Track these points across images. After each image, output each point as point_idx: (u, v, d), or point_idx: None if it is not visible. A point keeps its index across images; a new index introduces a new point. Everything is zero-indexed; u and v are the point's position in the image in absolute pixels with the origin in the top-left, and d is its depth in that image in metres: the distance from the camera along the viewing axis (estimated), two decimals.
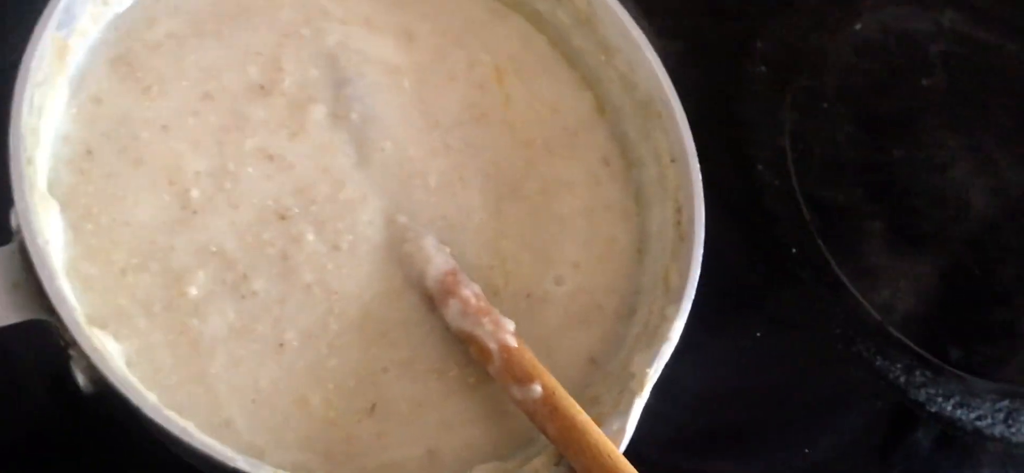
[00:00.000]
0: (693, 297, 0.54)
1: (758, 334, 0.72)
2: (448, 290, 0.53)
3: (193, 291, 0.50)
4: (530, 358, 0.51)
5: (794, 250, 0.75)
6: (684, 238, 0.55)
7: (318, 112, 0.56)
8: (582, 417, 0.49)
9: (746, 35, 0.82)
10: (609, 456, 0.48)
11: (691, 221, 0.55)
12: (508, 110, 0.60)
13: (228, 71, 0.56)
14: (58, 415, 0.55)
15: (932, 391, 0.73)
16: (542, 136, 0.60)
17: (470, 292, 0.53)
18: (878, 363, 0.74)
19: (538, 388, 0.50)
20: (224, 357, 0.49)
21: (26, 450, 0.54)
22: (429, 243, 0.54)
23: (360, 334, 0.52)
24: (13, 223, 0.48)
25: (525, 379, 0.50)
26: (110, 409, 0.47)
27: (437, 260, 0.53)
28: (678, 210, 0.56)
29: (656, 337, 0.52)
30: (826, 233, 0.77)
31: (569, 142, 0.60)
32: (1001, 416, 0.74)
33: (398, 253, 0.54)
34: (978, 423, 0.74)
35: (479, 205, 0.57)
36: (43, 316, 0.46)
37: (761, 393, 0.71)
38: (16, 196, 0.45)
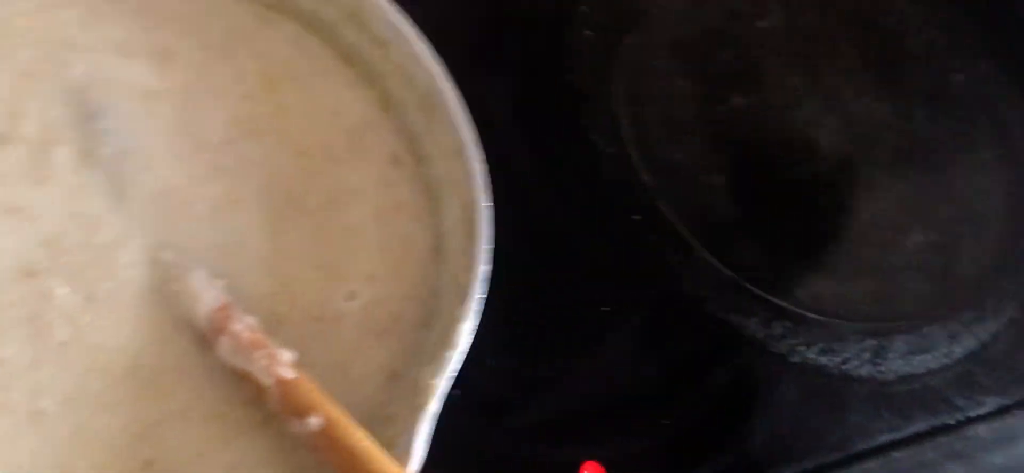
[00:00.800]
0: (481, 297, 0.50)
1: (605, 309, 0.69)
2: (218, 327, 0.49)
3: None
4: (309, 389, 0.48)
5: (637, 217, 0.72)
6: (471, 236, 0.51)
7: (63, 154, 0.52)
8: (363, 445, 0.46)
9: (568, 1, 0.78)
10: None
11: (475, 216, 0.51)
12: (282, 120, 0.56)
13: None
14: None
15: (793, 341, 0.71)
16: (323, 143, 0.56)
17: (242, 326, 0.49)
18: (734, 320, 0.71)
19: (315, 420, 0.46)
20: None
21: None
22: (197, 278, 0.50)
23: (128, 388, 0.48)
24: None
25: (302, 412, 0.47)
26: None
27: (206, 296, 0.50)
28: (464, 206, 0.52)
29: (445, 343, 0.49)
30: (669, 195, 0.74)
31: (354, 145, 0.56)
32: (867, 355, 0.72)
33: (165, 294, 0.50)
34: (845, 367, 0.71)
35: (256, 228, 0.53)
36: None
37: (613, 370, 0.68)
38: None
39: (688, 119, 0.77)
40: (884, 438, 0.70)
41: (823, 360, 0.71)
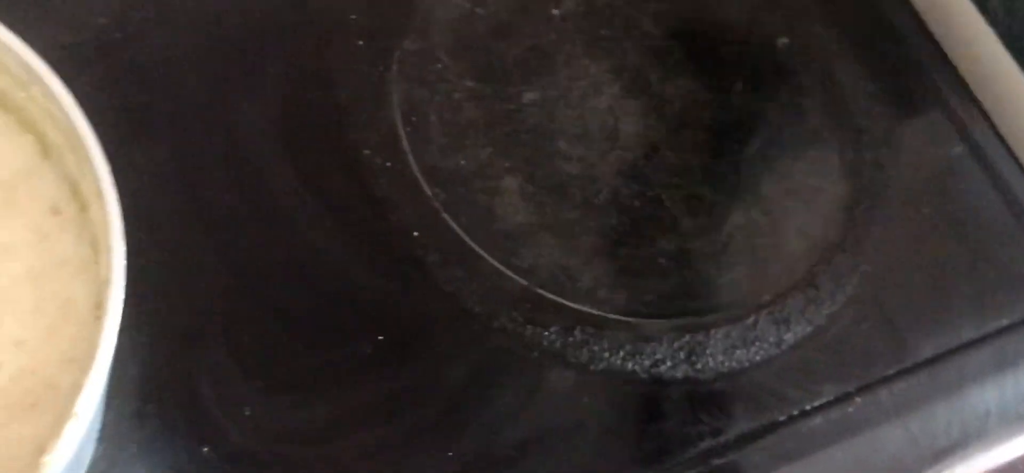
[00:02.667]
0: (106, 366, 0.44)
1: (380, 338, 0.63)
2: None
3: None
4: None
5: (416, 233, 0.66)
6: (108, 284, 0.45)
7: None
8: None
9: (337, 9, 0.73)
10: None
11: (107, 272, 0.45)
12: None
13: None
14: None
15: (596, 348, 0.65)
16: None
17: None
18: (528, 332, 0.65)
19: None
20: None
21: None
22: None
23: None
24: None
25: None
26: None
27: None
28: (108, 253, 0.47)
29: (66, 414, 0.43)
30: (453, 206, 0.68)
31: (7, 199, 0.50)
32: (682, 354, 0.66)
33: None
34: (655, 370, 0.65)
35: None
36: None
37: (393, 404, 0.62)
38: None
39: (475, 122, 0.71)
40: (704, 445, 0.64)
41: (630, 365, 0.65)
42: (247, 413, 0.59)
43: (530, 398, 0.64)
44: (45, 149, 0.52)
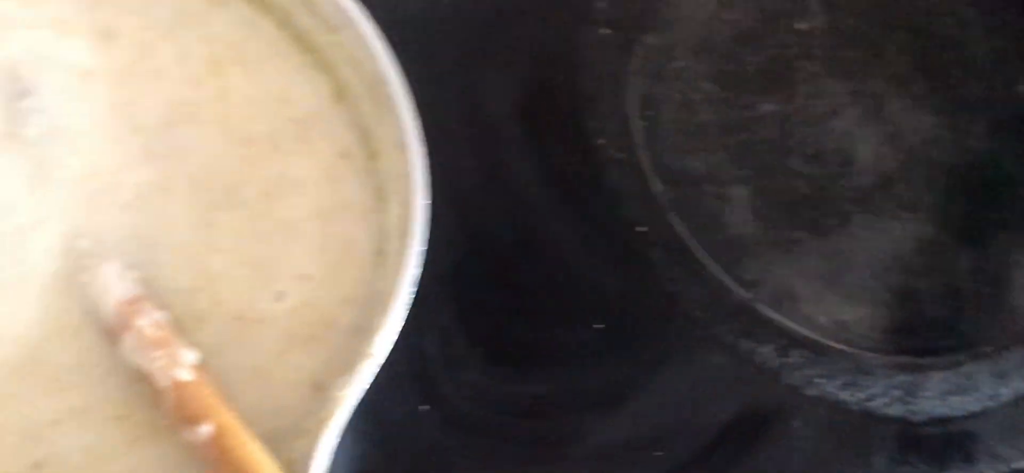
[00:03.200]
0: (405, 305, 0.46)
1: (599, 326, 0.63)
2: (124, 322, 0.46)
3: None
4: (206, 394, 0.44)
5: (642, 229, 0.66)
6: (403, 235, 0.47)
7: None
8: (255, 458, 0.42)
9: None
10: None
11: (409, 218, 0.47)
12: (224, 105, 0.52)
13: None
14: None
15: (812, 372, 0.64)
16: (267, 131, 0.52)
17: (148, 322, 0.45)
18: (744, 346, 0.64)
19: (206, 429, 0.43)
20: None
21: None
22: (110, 269, 0.47)
23: (23, 382, 0.45)
24: None
25: (194, 419, 0.43)
26: None
27: (115, 288, 0.46)
28: (403, 204, 0.48)
29: (360, 354, 0.44)
30: (681, 206, 0.67)
31: (300, 135, 0.52)
32: (898, 393, 0.65)
33: (74, 285, 0.47)
34: (870, 404, 0.64)
35: (183, 218, 0.50)
36: None
37: (605, 393, 0.62)
38: None
39: (710, 126, 0.71)
40: None
41: (845, 395, 0.64)
42: (468, 378, 0.61)
43: (741, 411, 0.63)
44: (339, 93, 0.53)
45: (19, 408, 0.45)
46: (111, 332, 0.46)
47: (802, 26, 0.76)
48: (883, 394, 0.64)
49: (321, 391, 0.47)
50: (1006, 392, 0.66)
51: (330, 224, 0.51)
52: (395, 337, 0.45)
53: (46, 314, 0.47)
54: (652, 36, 0.73)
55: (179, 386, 0.44)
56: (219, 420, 0.43)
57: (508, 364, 0.62)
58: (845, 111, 0.73)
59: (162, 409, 0.44)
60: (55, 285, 0.47)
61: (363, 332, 0.49)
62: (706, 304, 0.65)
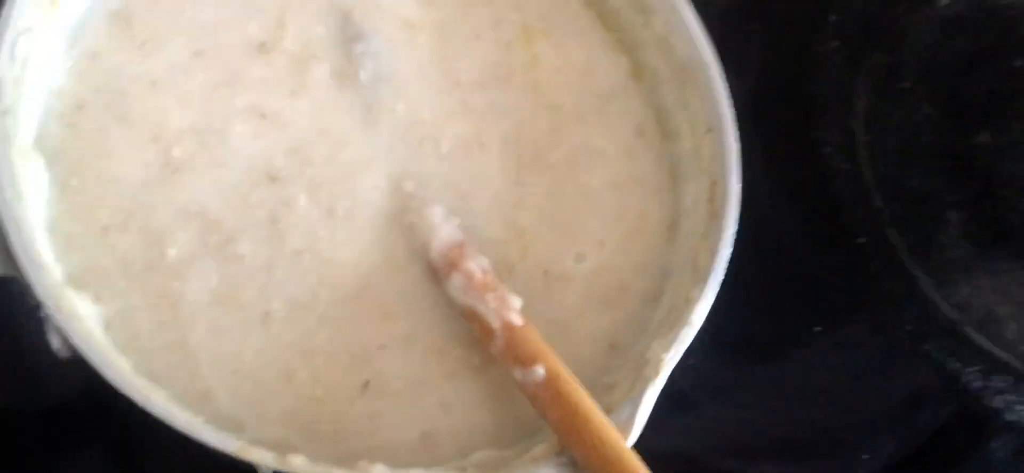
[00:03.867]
0: (721, 279, 0.49)
1: (817, 328, 0.66)
2: (452, 263, 0.49)
3: (172, 251, 0.47)
4: (535, 338, 0.47)
5: (862, 240, 0.69)
6: (716, 215, 0.50)
7: (321, 71, 0.53)
8: (587, 404, 0.45)
9: (819, 7, 0.76)
10: (612, 447, 0.44)
11: (725, 196, 0.50)
12: (535, 72, 0.55)
13: (226, 28, 0.53)
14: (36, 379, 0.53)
15: (1012, 398, 0.66)
16: (572, 101, 0.55)
17: (475, 265, 0.49)
18: (951, 366, 0.67)
19: (541, 371, 0.46)
20: (205, 324, 0.47)
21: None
22: (436, 212, 0.50)
23: (355, 307, 0.49)
24: None
25: (528, 360, 0.46)
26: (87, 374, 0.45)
27: (442, 231, 0.50)
28: (713, 185, 0.51)
29: (678, 321, 0.47)
30: (899, 222, 0.70)
31: (601, 109, 0.55)
32: None
33: (401, 222, 0.50)
34: None
35: (497, 173, 0.53)
36: (12, 273, 0.43)
37: (816, 392, 0.65)
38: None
39: (929, 147, 0.73)
40: None
41: None
42: (691, 362, 0.64)
43: (942, 429, 0.66)
44: (638, 72, 0.56)
45: (352, 331, 0.48)
46: (437, 270, 0.49)
47: (1018, 63, 0.78)
48: None
49: (616, 351, 0.51)
50: None
51: (625, 196, 0.54)
52: (709, 308, 0.48)
53: (375, 246, 0.50)
54: (879, 54, 0.76)
55: (511, 328, 0.47)
56: (549, 364, 0.46)
57: (723, 352, 0.65)
58: None
59: (491, 348, 0.47)
60: (383, 221, 0.51)
61: (654, 301, 0.52)
62: (918, 320, 0.68)
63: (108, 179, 0.48)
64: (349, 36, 0.54)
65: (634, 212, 0.53)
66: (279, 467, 0.41)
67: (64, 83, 0.49)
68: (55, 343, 0.44)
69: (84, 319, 0.44)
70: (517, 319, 0.47)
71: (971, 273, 0.70)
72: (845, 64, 0.75)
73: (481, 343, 0.48)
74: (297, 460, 0.42)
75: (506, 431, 0.48)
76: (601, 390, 0.48)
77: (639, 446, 0.47)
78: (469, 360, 0.49)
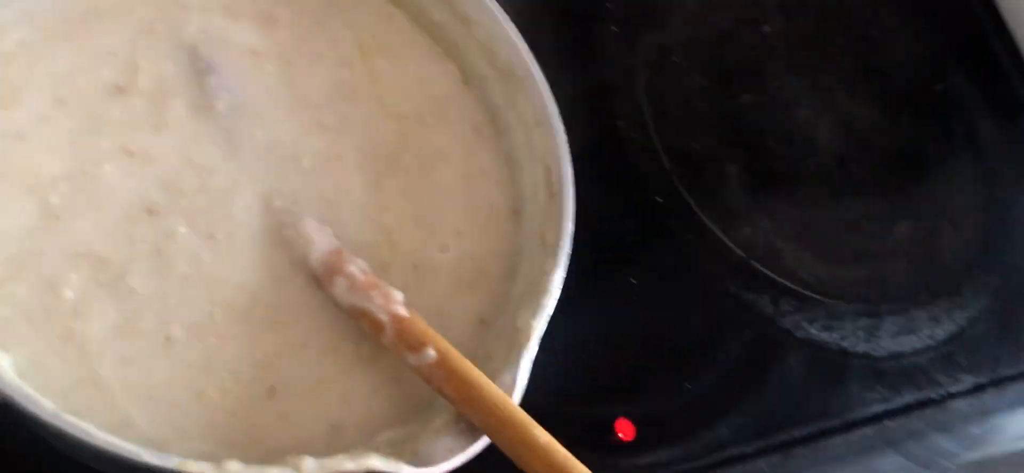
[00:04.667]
0: (569, 251, 0.55)
1: (633, 281, 0.75)
2: (333, 269, 0.53)
3: (68, 294, 0.50)
4: (421, 325, 0.52)
5: (659, 200, 0.78)
6: (554, 197, 0.56)
7: (179, 105, 0.55)
8: (476, 374, 0.51)
9: None
10: (504, 407, 0.50)
11: (560, 180, 0.56)
12: (376, 85, 0.60)
13: (81, 75, 0.55)
14: None
15: (798, 318, 0.77)
16: (412, 108, 0.60)
17: (355, 268, 0.53)
18: (746, 297, 0.77)
19: (432, 352, 0.51)
20: (112, 357, 0.49)
21: None
22: (309, 225, 0.54)
23: (249, 322, 0.52)
24: None
25: (418, 345, 0.51)
26: (16, 422, 0.47)
27: (318, 241, 0.54)
28: (547, 170, 0.58)
29: (538, 292, 0.54)
30: (687, 181, 0.80)
31: (439, 112, 0.61)
32: (862, 334, 0.79)
33: (279, 238, 0.54)
34: (842, 343, 0.78)
35: (358, 182, 0.57)
36: None
37: (641, 336, 0.73)
38: None
39: (703, 111, 0.84)
40: (878, 408, 0.77)
41: (825, 336, 0.78)
42: None
43: (747, 352, 0.76)
44: (467, 76, 0.62)
45: (248, 344, 0.52)
46: (320, 278, 0.53)
47: (766, 29, 0.90)
48: (852, 335, 0.79)
49: (486, 326, 0.57)
50: (940, 333, 0.81)
51: (472, 188, 0.60)
52: (563, 277, 0.55)
53: (258, 263, 0.53)
54: (652, 34, 0.85)
55: (398, 319, 0.52)
56: (438, 345, 0.51)
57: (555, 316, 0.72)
58: (804, 102, 0.88)
59: (382, 339, 0.52)
60: (262, 238, 0.54)
61: (511, 278, 0.58)
62: (713, 263, 0.78)
63: None
64: (199, 70, 0.57)
65: (482, 202, 0.59)
66: None
67: None
68: None
69: (4, 368, 0.45)
70: (403, 310, 0.52)
71: (751, 216, 0.81)
72: (624, 45, 0.84)
73: (370, 337, 0.53)
74: (233, 466, 0.45)
75: (403, 410, 0.53)
76: (479, 361, 0.53)
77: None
78: (360, 354, 0.53)
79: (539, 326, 0.53)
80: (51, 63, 0.54)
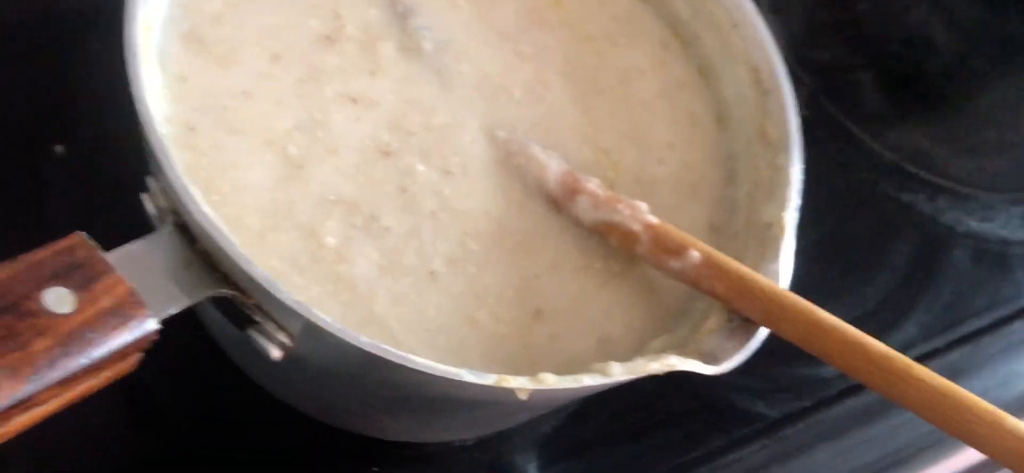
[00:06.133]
0: (801, 142, 0.55)
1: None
2: (572, 189, 0.52)
3: (330, 240, 0.48)
4: (675, 230, 0.51)
5: (806, 114, 0.78)
6: (769, 93, 0.56)
7: (388, 49, 0.54)
8: (745, 269, 0.50)
9: None
10: (783, 295, 0.49)
11: (772, 75, 0.56)
12: (560, 9, 0.60)
13: (289, 29, 0.54)
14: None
15: (957, 213, 0.77)
16: (600, 29, 0.60)
17: (593, 185, 0.52)
18: (904, 198, 0.77)
19: (696, 254, 0.50)
20: (384, 296, 0.48)
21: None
22: (537, 150, 0.54)
23: (501, 248, 0.51)
24: (151, 208, 0.45)
25: (679, 249, 0.50)
26: (302, 372, 0.46)
27: (551, 164, 0.53)
28: (754, 70, 0.57)
29: (776, 187, 0.53)
30: (827, 92, 0.80)
31: (625, 31, 0.60)
32: (1017, 222, 0.79)
33: (510, 166, 0.53)
34: (1002, 232, 0.78)
35: (568, 106, 0.57)
36: (222, 291, 0.43)
37: (813, 246, 0.73)
38: (166, 171, 0.43)
39: (827, 23, 0.83)
40: None
41: (984, 228, 0.78)
42: None
43: (916, 251, 0.76)
44: None
45: (506, 270, 0.51)
46: (558, 199, 0.53)
47: None
48: (1008, 223, 0.79)
49: (718, 232, 0.56)
50: None
51: (674, 101, 0.59)
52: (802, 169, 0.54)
53: (497, 192, 0.52)
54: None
55: (651, 227, 0.51)
56: (699, 246, 0.50)
57: None
58: (914, 7, 0.88)
59: (637, 249, 0.51)
60: (495, 168, 0.53)
61: (732, 183, 0.57)
62: (867, 168, 0.78)
63: (243, 187, 0.48)
64: (400, 13, 0.56)
65: (685, 113, 0.59)
66: (534, 386, 0.44)
67: (168, 109, 0.49)
68: (271, 350, 0.44)
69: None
70: (653, 218, 0.51)
71: (892, 119, 0.81)
72: None
73: (619, 251, 0.52)
74: (549, 377, 0.44)
75: (661, 319, 0.52)
76: None
77: None
78: (610, 269, 0.53)
79: (791, 217, 0.52)
80: (259, 19, 0.53)
